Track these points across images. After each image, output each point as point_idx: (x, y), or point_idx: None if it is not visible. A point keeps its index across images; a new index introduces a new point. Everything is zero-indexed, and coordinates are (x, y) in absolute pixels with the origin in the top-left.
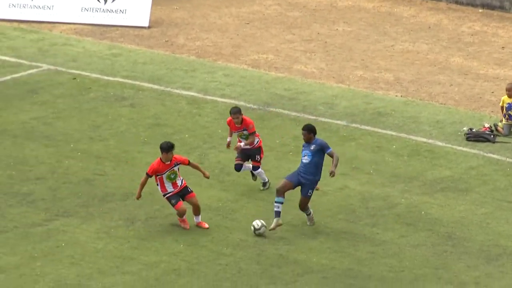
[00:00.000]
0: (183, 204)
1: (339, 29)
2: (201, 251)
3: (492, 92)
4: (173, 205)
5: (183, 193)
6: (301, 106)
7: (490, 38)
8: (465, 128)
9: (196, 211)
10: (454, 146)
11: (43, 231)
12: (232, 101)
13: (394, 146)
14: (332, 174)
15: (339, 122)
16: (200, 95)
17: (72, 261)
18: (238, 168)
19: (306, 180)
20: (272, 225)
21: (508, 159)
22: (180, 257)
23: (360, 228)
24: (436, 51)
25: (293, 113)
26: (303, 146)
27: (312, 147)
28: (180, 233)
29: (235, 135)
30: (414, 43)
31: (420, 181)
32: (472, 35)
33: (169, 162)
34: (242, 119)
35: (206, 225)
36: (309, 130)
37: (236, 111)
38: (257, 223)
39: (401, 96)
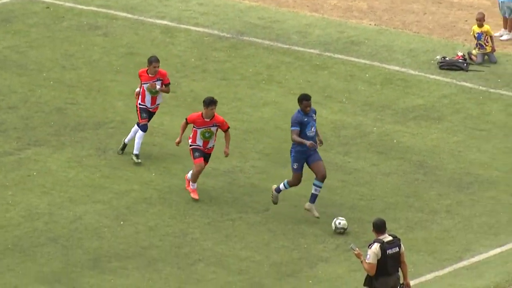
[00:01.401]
0: (203, 162)
1: None
2: (172, 180)
3: (466, 21)
4: (194, 158)
5: (206, 157)
6: (274, 35)
7: None
8: (438, 57)
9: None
10: (427, 75)
11: (15, 160)
12: (206, 30)
13: (367, 75)
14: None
15: (312, 50)
16: (174, 24)
17: (44, 190)
18: (145, 129)
19: (315, 147)
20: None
21: (480, 87)
22: (152, 186)
23: (332, 156)
24: None
25: (267, 42)
26: (303, 118)
27: (314, 116)
28: (152, 162)
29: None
30: None
31: (392, 109)
32: None
33: (208, 120)
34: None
35: (196, 196)
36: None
37: (156, 59)
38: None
39: (375, 24)
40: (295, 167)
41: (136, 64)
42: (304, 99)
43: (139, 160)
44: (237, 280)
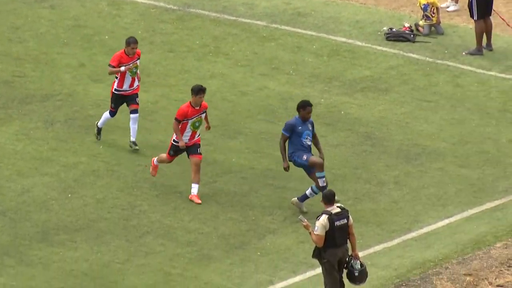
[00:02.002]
0: (172, 160)
1: None
2: (120, 153)
3: None
4: (169, 154)
5: (191, 151)
6: (221, 6)
7: None
8: (385, 28)
9: (196, 176)
10: (374, 46)
11: None
12: (152, 2)
13: (314, 46)
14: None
15: (259, 22)
16: None
17: None
18: (113, 115)
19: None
20: None
21: (427, 59)
22: (100, 158)
23: (279, 128)
24: None
25: (213, 14)
26: (297, 126)
27: (310, 126)
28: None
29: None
30: None
31: (339, 81)
32: None
33: (198, 108)
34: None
35: (199, 201)
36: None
37: (135, 40)
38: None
39: None
40: (304, 158)
41: (83, 37)
42: (307, 105)
43: (100, 137)
44: (185, 252)
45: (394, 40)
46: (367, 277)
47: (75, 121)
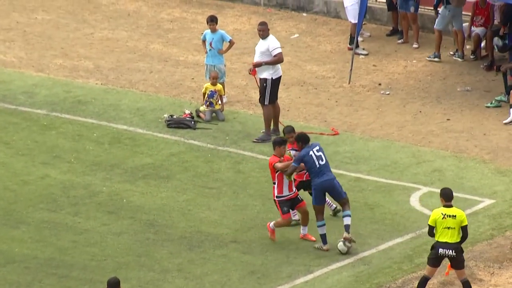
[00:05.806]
0: (290, 216)
1: (38, 17)
2: None
3: (192, 79)
4: (284, 213)
5: (294, 203)
6: (0, 95)
7: (189, 24)
8: (165, 115)
9: (305, 220)
10: (155, 133)
11: None
12: None
13: (95, 134)
14: None
15: (39, 111)
16: None
17: None
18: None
19: None
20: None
21: (208, 145)
22: None
23: (61, 217)
24: (135, 38)
25: None
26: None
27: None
28: None
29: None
30: (113, 31)
31: (121, 168)
32: (171, 21)
33: (282, 158)
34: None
35: (313, 238)
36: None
37: (291, 130)
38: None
39: (101, 84)
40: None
41: None
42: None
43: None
44: None
45: (175, 127)
46: None
47: None
